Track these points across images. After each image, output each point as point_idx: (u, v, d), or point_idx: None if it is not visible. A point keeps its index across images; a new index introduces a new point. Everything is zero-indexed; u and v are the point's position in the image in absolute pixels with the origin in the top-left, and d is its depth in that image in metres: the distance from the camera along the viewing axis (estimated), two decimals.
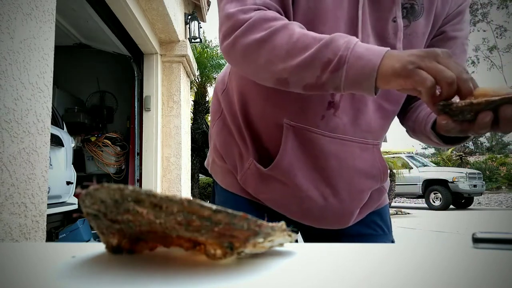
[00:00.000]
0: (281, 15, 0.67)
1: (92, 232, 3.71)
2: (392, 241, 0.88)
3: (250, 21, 0.63)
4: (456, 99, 0.52)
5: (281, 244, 0.37)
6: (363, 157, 0.78)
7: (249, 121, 0.80)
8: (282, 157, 0.74)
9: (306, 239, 0.88)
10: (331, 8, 0.68)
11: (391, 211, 8.68)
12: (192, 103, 8.41)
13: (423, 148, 30.47)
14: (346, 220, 0.80)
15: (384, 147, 0.91)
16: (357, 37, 0.68)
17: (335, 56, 0.57)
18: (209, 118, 0.97)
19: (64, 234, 3.54)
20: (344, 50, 0.57)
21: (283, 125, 0.74)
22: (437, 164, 15.33)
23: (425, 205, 10.32)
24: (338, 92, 0.60)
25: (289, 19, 0.68)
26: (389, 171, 0.85)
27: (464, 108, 0.50)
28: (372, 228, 0.86)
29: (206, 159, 0.99)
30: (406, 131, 0.86)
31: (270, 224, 0.32)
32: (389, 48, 0.56)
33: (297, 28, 0.62)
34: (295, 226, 0.81)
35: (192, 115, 8.20)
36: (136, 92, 4.16)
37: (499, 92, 0.50)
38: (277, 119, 0.75)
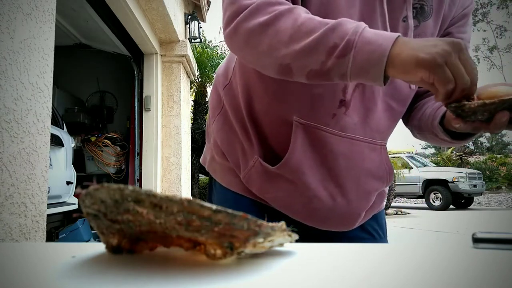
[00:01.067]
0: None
1: (92, 232, 3.71)
2: None
3: (253, 5, 0.61)
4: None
5: (281, 244, 0.36)
6: (371, 158, 0.77)
7: (253, 117, 0.78)
8: (291, 155, 0.72)
9: (303, 241, 0.87)
10: (344, 5, 0.67)
11: (391, 211, 8.68)
12: (192, 103, 8.41)
13: (423, 148, 30.47)
14: (352, 222, 0.79)
15: None
16: None
17: (341, 40, 0.54)
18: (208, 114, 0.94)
19: (64, 234, 3.54)
20: (352, 34, 0.54)
21: (291, 122, 0.73)
22: (437, 164, 15.32)
23: (425, 205, 10.31)
24: (344, 81, 0.57)
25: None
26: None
27: (477, 109, 0.50)
28: (369, 232, 0.85)
29: (203, 156, 0.95)
30: (411, 131, 0.86)
31: (270, 224, 0.32)
32: (400, 34, 0.54)
33: (302, 13, 0.59)
34: (295, 226, 0.81)
35: (192, 115, 8.19)
36: (136, 92, 4.16)
37: (508, 92, 0.50)
38: (285, 116, 0.74)
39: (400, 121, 0.86)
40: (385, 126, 0.78)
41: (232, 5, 0.64)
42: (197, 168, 7.98)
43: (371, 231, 0.86)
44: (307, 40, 0.56)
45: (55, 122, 3.53)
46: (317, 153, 0.74)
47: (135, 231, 0.30)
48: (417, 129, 0.81)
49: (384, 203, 0.90)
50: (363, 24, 0.56)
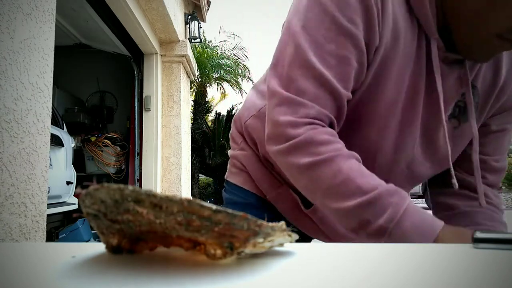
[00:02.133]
0: (334, 125, 0.61)
1: (92, 232, 3.71)
2: None
3: (295, 140, 0.57)
4: None
5: (281, 244, 0.36)
6: None
7: (271, 163, 0.78)
8: (316, 208, 0.75)
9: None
10: (383, 112, 0.63)
11: None
12: (192, 103, 8.41)
13: None
14: None
15: None
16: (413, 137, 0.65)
17: (375, 221, 0.52)
18: (230, 139, 0.90)
19: (64, 234, 3.55)
20: (388, 221, 0.52)
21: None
22: None
23: (425, 205, 10.32)
24: None
25: (340, 123, 0.63)
26: None
27: None
28: None
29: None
30: (425, 199, 0.92)
31: (270, 224, 0.32)
32: (441, 226, 0.51)
33: (344, 165, 0.56)
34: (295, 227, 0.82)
35: (192, 115, 8.20)
36: (136, 92, 4.17)
37: None
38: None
39: None
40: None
41: (275, 128, 0.60)
42: (197, 168, 7.99)
43: None
44: (342, 204, 0.55)
45: (55, 122, 3.53)
46: None
47: (135, 231, 0.30)
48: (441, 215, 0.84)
49: None
50: (403, 204, 0.53)
